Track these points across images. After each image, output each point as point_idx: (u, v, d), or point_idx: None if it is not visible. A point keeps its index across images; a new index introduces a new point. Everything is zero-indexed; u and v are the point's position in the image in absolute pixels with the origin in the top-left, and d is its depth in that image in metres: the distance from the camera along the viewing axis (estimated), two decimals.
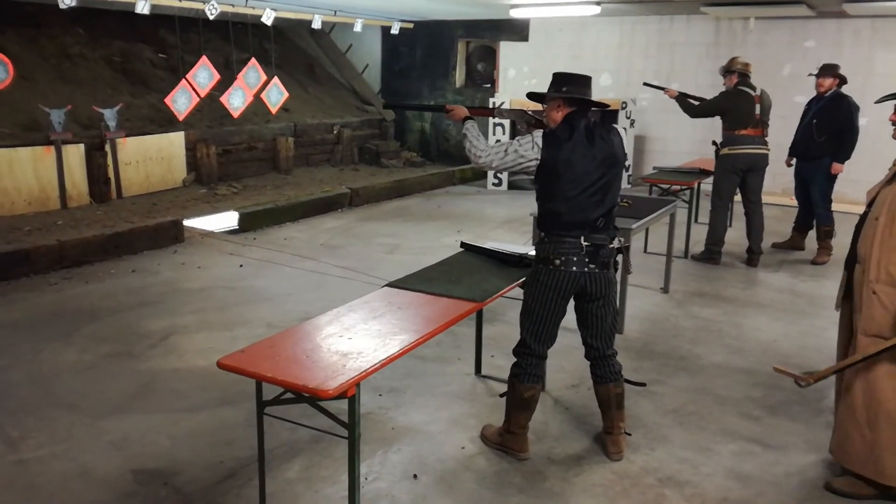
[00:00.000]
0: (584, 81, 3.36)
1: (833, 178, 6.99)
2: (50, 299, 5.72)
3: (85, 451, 3.52)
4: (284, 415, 3.10)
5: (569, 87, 3.33)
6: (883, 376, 3.06)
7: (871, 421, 3.09)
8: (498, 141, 10.97)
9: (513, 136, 10.95)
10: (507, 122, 11.10)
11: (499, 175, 10.96)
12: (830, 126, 6.85)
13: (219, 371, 2.80)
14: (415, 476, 3.34)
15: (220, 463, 3.43)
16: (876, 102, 3.73)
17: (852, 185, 8.89)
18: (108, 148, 8.54)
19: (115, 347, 4.79)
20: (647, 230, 6.85)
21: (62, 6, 7.45)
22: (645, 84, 8.25)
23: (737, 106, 6.68)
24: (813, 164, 7.04)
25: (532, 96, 3.58)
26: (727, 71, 6.83)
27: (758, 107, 6.68)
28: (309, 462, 3.44)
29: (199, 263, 6.79)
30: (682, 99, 7.04)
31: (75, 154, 8.23)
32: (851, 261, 3.25)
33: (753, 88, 6.71)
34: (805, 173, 7.19)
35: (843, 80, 6.92)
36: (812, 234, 7.38)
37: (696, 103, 7.04)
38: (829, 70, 6.94)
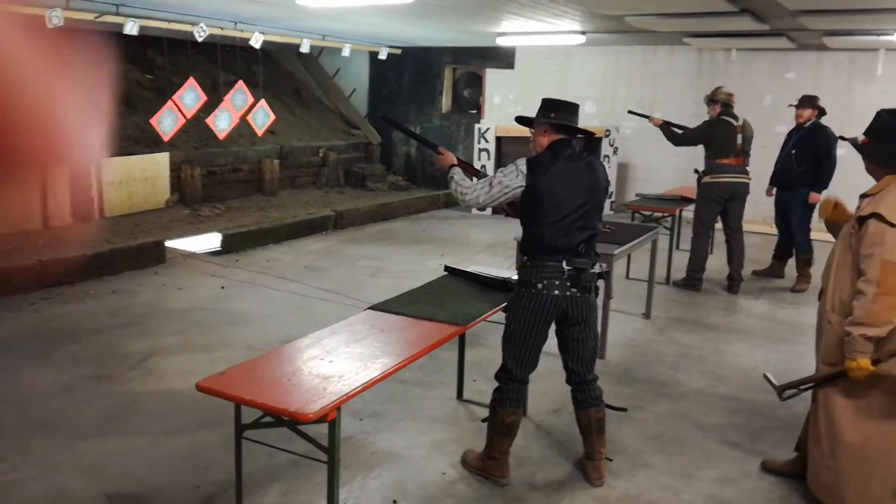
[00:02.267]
0: (572, 109, 3.42)
1: (811, 207, 7.07)
2: (29, 319, 5.65)
3: (61, 473, 3.46)
4: (263, 438, 3.07)
5: (557, 113, 3.38)
6: (841, 408, 3.12)
7: (833, 451, 3.15)
8: (483, 167, 11.03)
9: (497, 163, 11.03)
10: (492, 148, 11.19)
11: None
12: (809, 156, 6.96)
13: (199, 393, 2.78)
14: (395, 502, 3.31)
15: (197, 487, 3.39)
16: (841, 138, 3.86)
17: None
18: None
19: (94, 369, 4.74)
20: (629, 256, 6.89)
21: (49, 26, 7.45)
22: (630, 112, 8.37)
23: (719, 135, 6.78)
24: (792, 193, 7.14)
25: (520, 120, 3.62)
26: (711, 100, 6.94)
27: (740, 136, 6.79)
28: (287, 487, 3.40)
29: (181, 285, 6.74)
30: (666, 127, 7.14)
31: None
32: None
33: (736, 118, 6.82)
34: (784, 202, 7.29)
35: (821, 112, 7.05)
36: (792, 262, 7.46)
37: (680, 132, 7.14)
38: (808, 101, 7.08)
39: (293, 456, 3.34)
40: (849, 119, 9.05)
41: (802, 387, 3.32)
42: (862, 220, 3.03)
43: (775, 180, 7.36)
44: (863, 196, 3.19)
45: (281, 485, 3.42)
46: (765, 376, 3.60)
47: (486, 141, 11.26)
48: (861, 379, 2.97)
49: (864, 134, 3.24)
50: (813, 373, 3.43)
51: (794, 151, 7.06)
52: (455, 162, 3.69)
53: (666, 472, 3.65)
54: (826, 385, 3.17)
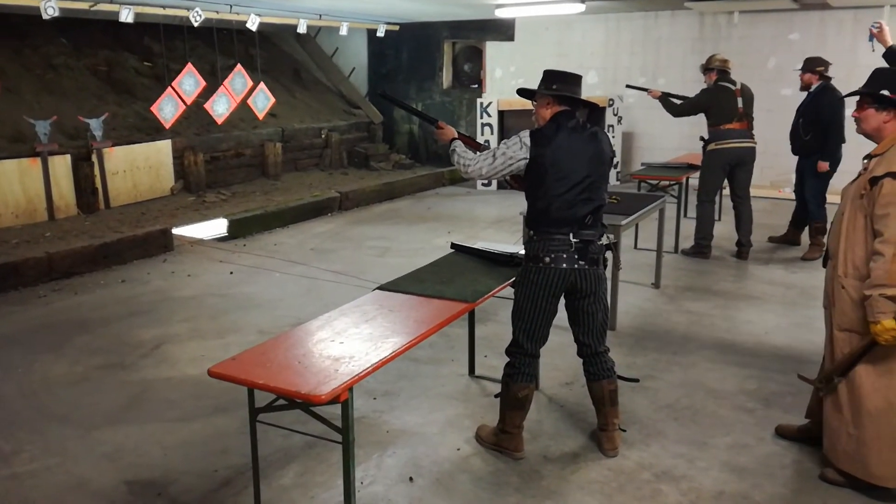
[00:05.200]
0: (574, 80, 3.37)
1: (822, 175, 6.87)
2: (39, 312, 5.68)
3: (78, 463, 3.50)
4: (278, 421, 3.09)
5: (559, 84, 3.34)
6: (862, 373, 3.08)
7: (855, 418, 3.11)
8: (486, 142, 10.98)
9: (501, 137, 10.96)
10: (494, 122, 11.13)
11: None
12: (815, 122, 6.77)
13: (211, 379, 2.79)
14: (411, 479, 3.33)
15: (214, 471, 3.41)
16: (845, 97, 3.79)
17: (847, 177, 8.90)
18: (94, 158, 8.50)
19: (107, 358, 4.77)
20: (636, 226, 6.88)
21: (45, 17, 7.40)
22: (628, 87, 8.30)
23: (718, 102, 6.70)
24: (806, 160, 7.00)
25: (522, 93, 3.58)
26: (707, 69, 6.85)
27: (739, 100, 6.69)
28: (304, 468, 3.43)
29: (189, 271, 6.76)
30: (665, 99, 7.04)
31: (62, 165, 8.19)
32: (827, 258, 3.29)
33: (734, 83, 6.72)
34: (801, 169, 7.16)
35: (823, 76, 6.82)
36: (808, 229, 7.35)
37: (679, 102, 7.04)
38: (807, 65, 6.90)
39: (308, 437, 3.36)
40: (855, 79, 8.90)
41: (839, 372, 3.18)
42: (875, 181, 2.98)
43: (792, 148, 7.21)
44: (867, 157, 3.15)
45: (297, 466, 3.44)
46: (799, 376, 3.55)
47: (489, 115, 11.19)
48: (889, 342, 2.90)
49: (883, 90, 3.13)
50: (823, 340, 3.39)
51: (800, 119, 6.92)
52: (456, 135, 3.66)
53: (680, 440, 3.66)
54: (862, 360, 3.08)
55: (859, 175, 3.15)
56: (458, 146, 3.55)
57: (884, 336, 2.89)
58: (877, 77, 3.19)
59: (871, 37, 5.20)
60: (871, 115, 3.15)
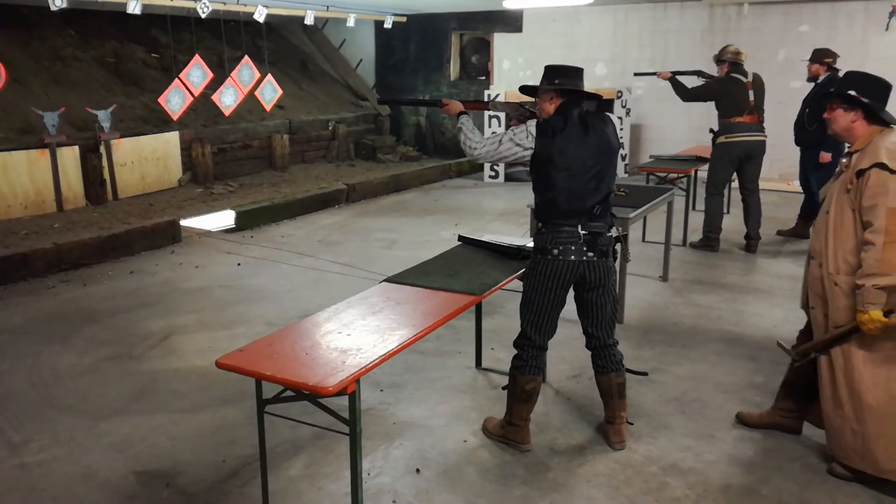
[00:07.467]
0: (575, 73, 3.37)
1: (825, 166, 6.84)
2: (48, 303, 5.71)
3: (87, 453, 3.52)
4: (285, 413, 3.09)
5: (561, 79, 3.33)
6: (860, 366, 3.07)
7: (857, 414, 3.10)
8: (493, 133, 10.94)
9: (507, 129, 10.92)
10: (502, 116, 11.09)
11: (496, 167, 10.96)
12: (821, 113, 6.71)
13: (219, 370, 2.79)
14: (417, 470, 3.34)
15: (222, 462, 3.43)
16: (820, 100, 3.83)
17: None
18: (102, 149, 8.51)
19: (115, 349, 4.79)
20: (644, 219, 6.86)
21: (53, 8, 7.41)
22: (636, 74, 8.25)
23: (729, 93, 6.64)
24: (810, 152, 6.97)
25: (524, 89, 3.57)
26: (719, 60, 6.80)
27: (751, 93, 6.65)
28: (311, 459, 3.44)
29: (197, 263, 6.77)
30: (675, 80, 6.97)
31: (70, 156, 8.21)
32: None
33: (745, 75, 6.67)
34: (804, 161, 7.14)
35: (831, 67, 6.78)
36: None
37: (690, 87, 6.98)
38: (814, 56, 6.86)
39: (315, 428, 3.36)
40: (866, 71, 8.85)
41: (817, 350, 3.24)
42: (861, 173, 3.00)
43: (795, 139, 7.19)
44: (846, 155, 3.19)
45: (305, 457, 3.45)
46: (778, 344, 3.56)
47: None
48: (875, 332, 2.93)
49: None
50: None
51: (807, 110, 6.88)
52: (462, 108, 3.66)
53: (687, 433, 3.65)
54: (840, 343, 3.11)
55: (839, 174, 3.18)
56: (465, 125, 3.53)
57: (868, 326, 2.93)
58: (847, 79, 3.25)
59: (892, 13, 5.14)
60: (840, 116, 3.23)
